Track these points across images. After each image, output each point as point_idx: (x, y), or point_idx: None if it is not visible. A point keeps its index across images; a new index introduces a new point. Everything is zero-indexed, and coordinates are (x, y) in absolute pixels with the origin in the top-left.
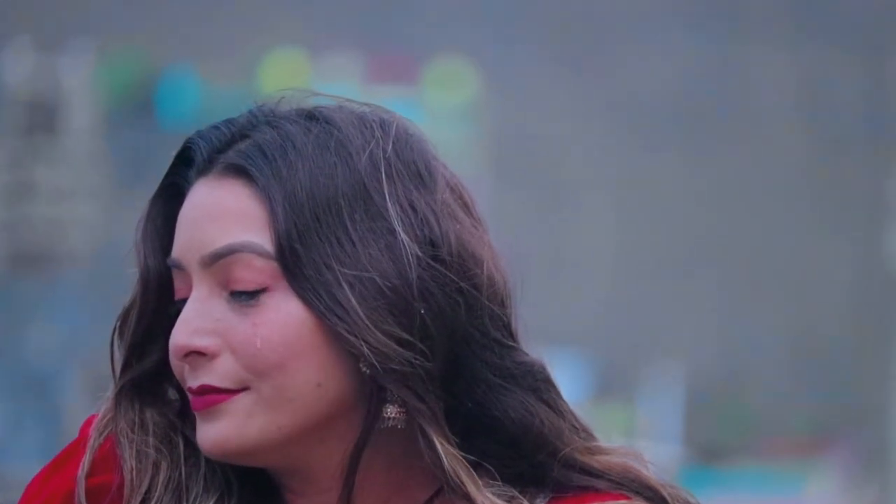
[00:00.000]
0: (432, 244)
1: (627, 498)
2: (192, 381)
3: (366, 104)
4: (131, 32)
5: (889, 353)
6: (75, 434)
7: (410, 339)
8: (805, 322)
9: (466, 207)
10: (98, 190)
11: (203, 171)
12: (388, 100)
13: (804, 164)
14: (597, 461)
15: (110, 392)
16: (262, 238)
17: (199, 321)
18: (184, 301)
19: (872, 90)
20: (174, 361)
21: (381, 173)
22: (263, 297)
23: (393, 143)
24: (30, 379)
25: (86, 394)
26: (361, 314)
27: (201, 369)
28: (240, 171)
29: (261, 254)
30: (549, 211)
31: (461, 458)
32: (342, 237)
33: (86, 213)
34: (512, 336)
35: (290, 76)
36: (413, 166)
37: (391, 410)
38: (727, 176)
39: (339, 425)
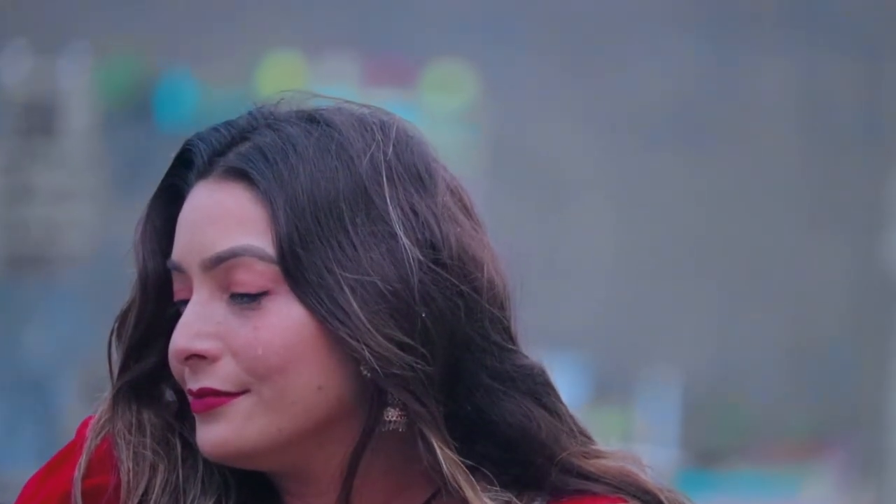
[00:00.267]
0: (433, 248)
1: (624, 501)
2: (193, 384)
3: (365, 106)
4: (129, 35)
5: (887, 357)
6: (72, 436)
7: (411, 342)
8: (802, 325)
9: (466, 210)
10: (96, 192)
11: (203, 174)
12: (386, 103)
13: (802, 167)
14: (594, 465)
15: (107, 393)
16: (263, 241)
17: (200, 324)
18: (183, 303)
19: (871, 93)
20: (174, 364)
21: (381, 176)
22: (265, 301)
23: (393, 145)
24: (26, 380)
25: (82, 396)
26: (363, 318)
27: (202, 372)
28: (240, 174)
29: (262, 257)
30: (546, 214)
31: (459, 462)
32: (343, 241)
33: (83, 215)
34: (512, 339)
35: (288, 79)
36: (414, 169)
37: (392, 414)
38: (725, 179)
39: (339, 428)
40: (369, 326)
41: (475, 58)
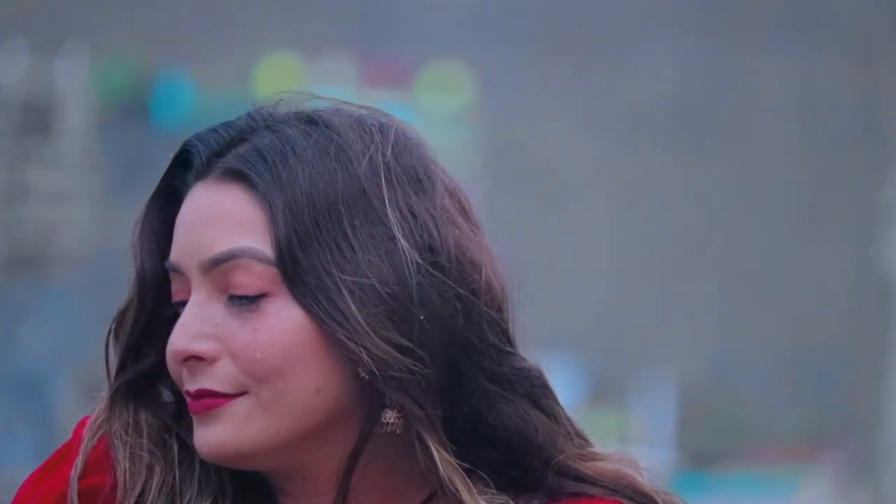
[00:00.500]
0: (432, 250)
1: None
2: (191, 385)
3: (363, 107)
4: (126, 35)
5: (883, 360)
6: (68, 436)
7: (410, 345)
8: (799, 328)
9: (464, 212)
10: (92, 193)
11: (201, 175)
12: (383, 104)
13: (802, 167)
14: (590, 468)
15: (105, 393)
16: (262, 243)
17: (198, 326)
18: (181, 303)
19: (871, 94)
20: (172, 365)
21: (380, 179)
22: (263, 303)
23: (392, 147)
24: (23, 381)
25: (79, 396)
26: (361, 320)
27: (200, 373)
28: (239, 176)
29: (261, 259)
30: (544, 215)
31: (456, 465)
32: (342, 243)
33: (79, 215)
34: (510, 341)
35: (285, 80)
36: (412, 171)
37: (389, 416)
38: (725, 179)
39: (336, 430)
40: (367, 329)
41: (472, 58)
